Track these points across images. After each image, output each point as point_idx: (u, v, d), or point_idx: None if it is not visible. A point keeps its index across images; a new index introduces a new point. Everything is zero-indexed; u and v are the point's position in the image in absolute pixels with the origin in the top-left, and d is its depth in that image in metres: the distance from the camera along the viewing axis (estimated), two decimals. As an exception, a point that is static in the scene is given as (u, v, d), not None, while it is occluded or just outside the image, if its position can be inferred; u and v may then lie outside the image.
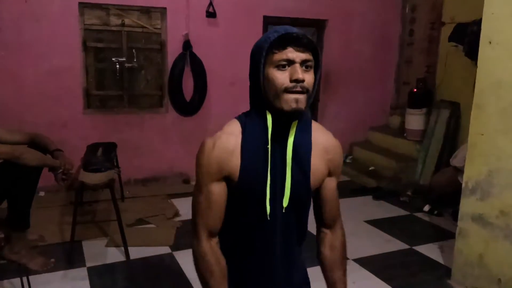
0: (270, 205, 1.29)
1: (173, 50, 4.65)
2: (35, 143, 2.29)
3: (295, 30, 1.21)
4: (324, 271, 1.46)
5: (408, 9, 5.63)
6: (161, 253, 3.22)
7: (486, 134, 2.68)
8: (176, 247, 3.32)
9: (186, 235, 3.53)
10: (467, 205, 2.83)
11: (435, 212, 4.20)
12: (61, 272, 2.87)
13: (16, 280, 2.64)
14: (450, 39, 4.61)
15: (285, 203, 1.30)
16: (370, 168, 5.30)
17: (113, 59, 4.49)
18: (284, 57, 1.19)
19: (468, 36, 4.24)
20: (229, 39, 4.88)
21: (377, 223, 3.92)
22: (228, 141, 1.28)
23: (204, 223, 1.31)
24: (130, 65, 4.56)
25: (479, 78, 2.74)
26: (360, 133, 5.81)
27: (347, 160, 5.65)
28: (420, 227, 3.97)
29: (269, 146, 1.26)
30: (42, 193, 4.18)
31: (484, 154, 2.69)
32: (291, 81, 1.19)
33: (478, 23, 3.63)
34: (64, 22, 4.21)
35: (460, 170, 3.98)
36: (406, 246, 3.51)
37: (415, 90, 5.19)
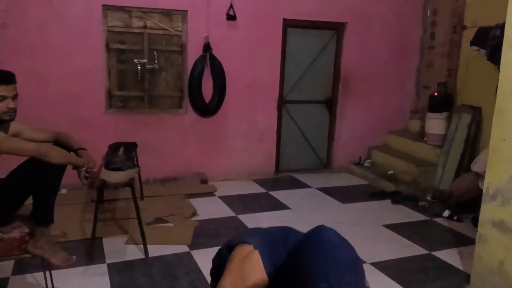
0: None
1: (193, 52, 4.71)
2: (59, 141, 2.35)
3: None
4: None
5: (429, 12, 5.58)
6: (179, 252, 3.27)
7: (508, 140, 2.64)
8: (194, 246, 3.36)
9: (204, 235, 3.58)
10: (488, 211, 2.78)
11: (455, 217, 4.14)
12: (81, 268, 2.94)
13: (39, 275, 2.73)
14: (472, 43, 4.55)
15: None
16: (389, 172, 5.26)
17: (134, 60, 4.58)
18: None
19: (490, 40, 4.19)
20: (248, 41, 4.92)
21: (395, 228, 3.89)
22: None
23: None
24: (151, 66, 4.63)
25: (501, 82, 2.71)
26: (379, 137, 5.77)
27: (366, 164, 5.62)
28: (439, 232, 3.92)
29: None
30: (64, 191, 4.28)
31: (506, 160, 2.65)
32: None
33: (501, 27, 3.60)
34: (87, 24, 4.31)
35: (481, 176, 3.92)
36: (424, 252, 3.47)
37: (435, 94, 5.13)
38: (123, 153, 3.56)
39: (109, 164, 3.31)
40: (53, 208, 2.24)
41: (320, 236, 1.30)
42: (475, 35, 4.50)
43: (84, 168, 2.28)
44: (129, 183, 3.09)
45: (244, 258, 1.29)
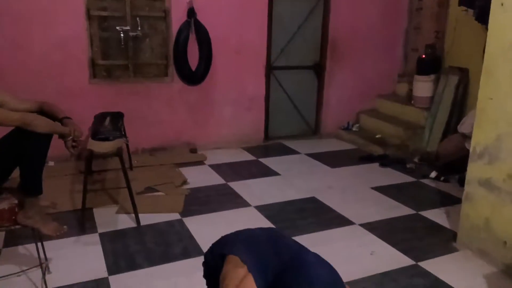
0: None
1: (178, 18, 4.58)
2: (44, 111, 2.29)
3: None
4: None
5: (417, -28, 5.48)
6: (171, 219, 3.28)
7: (495, 99, 2.66)
8: (185, 213, 3.38)
9: (195, 202, 3.59)
10: (475, 170, 2.83)
11: (442, 178, 4.22)
12: (73, 238, 2.95)
13: (31, 246, 2.73)
14: (460, 3, 4.50)
15: None
16: (377, 136, 5.30)
17: (117, 27, 4.44)
18: None
19: (478, 0, 4.14)
20: (234, 6, 4.80)
21: (383, 190, 3.95)
22: None
23: None
24: (134, 33, 4.51)
25: (489, 42, 2.70)
26: (367, 101, 5.78)
27: (354, 129, 5.64)
28: (427, 193, 4.00)
29: None
30: (51, 163, 4.23)
31: (493, 119, 2.67)
32: None
33: (490, -15, 3.55)
34: (66, -10, 4.15)
35: (467, 137, 3.97)
36: (412, 212, 3.54)
37: (423, 56, 5.12)
38: (110, 123, 3.51)
39: (96, 134, 3.26)
40: (41, 178, 2.22)
41: (299, 258, 1.32)
42: (463, -5, 4.45)
43: (70, 137, 2.24)
44: (118, 153, 3.06)
45: (238, 285, 1.28)
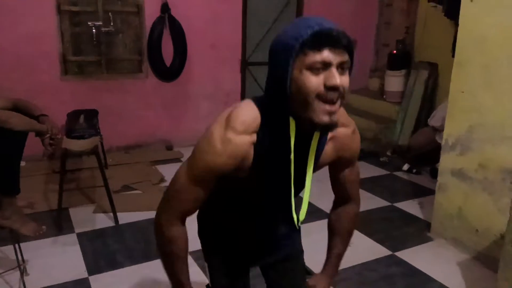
0: (272, 211, 1.35)
1: (151, 13, 4.52)
2: (19, 108, 2.22)
3: (332, 25, 1.03)
4: (328, 237, 1.49)
5: (387, -31, 5.60)
6: (150, 217, 3.25)
7: (466, 91, 2.76)
8: (164, 211, 3.35)
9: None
10: (447, 161, 2.94)
11: (414, 170, 4.34)
12: (50, 239, 2.88)
13: (7, 248, 2.65)
14: (430, -1, 4.63)
15: (302, 217, 1.22)
16: (350, 130, 5.39)
17: (89, 23, 4.33)
18: (320, 59, 0.99)
19: (447, -4, 4.27)
20: (208, 1, 4.77)
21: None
22: (243, 143, 1.10)
23: (182, 209, 1.20)
24: (107, 29, 4.41)
25: (460, 35, 2.79)
26: (340, 96, 5.85)
27: (328, 123, 5.71)
28: (400, 185, 4.11)
29: (291, 157, 1.11)
30: (23, 163, 4.08)
31: (465, 111, 2.78)
32: (325, 87, 1.00)
33: (458, -18, 3.67)
34: (35, -16, 4.02)
35: (437, 130, 4.11)
36: (387, 203, 3.64)
37: (394, 52, 5.24)
38: (84, 121, 3.44)
39: (71, 132, 3.20)
40: (18, 177, 2.16)
41: None
42: (432, -10, 4.58)
43: (48, 135, 2.18)
44: (94, 151, 3.00)
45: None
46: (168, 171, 4.16)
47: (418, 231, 3.17)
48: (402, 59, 5.17)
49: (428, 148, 4.22)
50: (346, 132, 1.25)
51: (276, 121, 1.11)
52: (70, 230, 3.03)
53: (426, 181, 4.12)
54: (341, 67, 1.03)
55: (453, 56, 3.03)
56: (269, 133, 1.12)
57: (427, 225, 3.18)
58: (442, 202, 3.00)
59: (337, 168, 1.35)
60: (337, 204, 1.48)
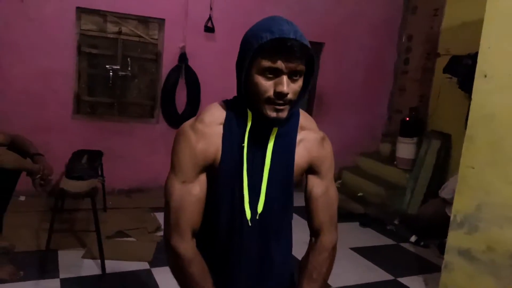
0: (243, 208, 1.23)
1: (169, 61, 4.61)
2: (15, 144, 2.20)
3: (291, 34, 1.08)
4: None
5: (404, 38, 5.68)
6: (138, 269, 3.12)
7: (476, 167, 2.66)
8: (155, 263, 3.21)
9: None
10: (454, 239, 2.78)
11: (421, 243, 4.14)
12: (32, 282, 2.75)
13: (-16, 288, 2.53)
14: (445, 70, 4.63)
15: (260, 208, 1.23)
16: (358, 194, 5.26)
17: (107, 66, 4.44)
18: (272, 67, 1.10)
19: (462, 69, 4.27)
20: (225, 54, 4.85)
21: (362, 251, 3.85)
22: (212, 132, 1.21)
23: (189, 220, 1.19)
24: (123, 73, 4.51)
25: (472, 110, 2.74)
26: (350, 158, 5.79)
27: (336, 185, 5.59)
28: (406, 258, 3.91)
29: (244, 145, 1.19)
30: (22, 198, 4.06)
31: (473, 188, 2.66)
32: (274, 92, 1.11)
33: (473, 56, 3.67)
34: (59, 25, 4.17)
35: (448, 202, 3.95)
36: (390, 277, 3.44)
37: (407, 118, 5.19)
38: (87, 162, 3.41)
39: (71, 172, 3.14)
40: (2, 217, 2.09)
41: None
42: (448, 63, 4.59)
43: (39, 175, 2.14)
44: (90, 194, 2.93)
45: None
46: (166, 220, 4.04)
47: (421, 312, 2.95)
48: (414, 127, 5.11)
49: (438, 221, 4.04)
50: (316, 136, 1.34)
51: (240, 112, 1.21)
52: (55, 274, 2.90)
53: (434, 256, 3.91)
54: (293, 74, 1.12)
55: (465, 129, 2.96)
56: (234, 125, 1.21)
57: (430, 306, 2.97)
58: (447, 282, 2.81)
59: (309, 182, 1.34)
60: (310, 238, 1.39)
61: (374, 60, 5.66)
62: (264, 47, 1.09)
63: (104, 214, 3.98)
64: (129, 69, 4.54)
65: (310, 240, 1.39)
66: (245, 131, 1.20)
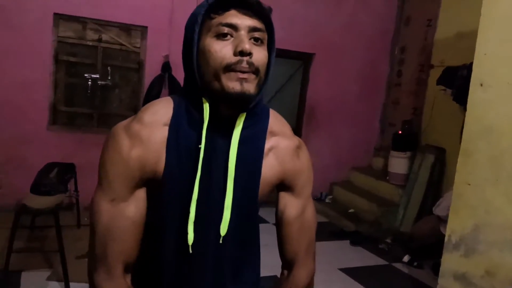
0: (196, 231, 0.93)
1: (151, 71, 4.42)
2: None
3: None
4: None
5: (397, 50, 5.54)
6: (107, 292, 2.86)
7: (473, 184, 2.45)
8: (126, 285, 2.96)
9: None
10: (450, 261, 2.55)
11: (415, 263, 3.91)
12: (-13, 307, 2.51)
13: None
14: (439, 82, 4.47)
15: (223, 231, 0.95)
16: (349, 211, 5.04)
17: (85, 75, 4.24)
18: (225, 21, 0.88)
19: (457, 80, 4.10)
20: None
21: (352, 272, 3.62)
22: (153, 133, 0.93)
23: (121, 250, 0.92)
24: (103, 82, 4.31)
25: (468, 122, 2.53)
26: (342, 172, 5.58)
27: (327, 200, 5.39)
28: (398, 279, 3.68)
29: (201, 146, 0.91)
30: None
31: (471, 206, 2.45)
32: (235, 54, 0.87)
33: (468, 67, 3.51)
34: (35, 32, 3.98)
35: (443, 220, 3.74)
36: (381, 301, 3.21)
37: (400, 132, 5.01)
38: (56, 175, 3.18)
39: (37, 186, 2.92)
40: None
41: None
42: (442, 74, 4.43)
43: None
44: (54, 210, 2.70)
45: None
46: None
47: None
48: (407, 140, 4.93)
49: (432, 239, 3.83)
50: (289, 143, 1.06)
51: (191, 106, 0.95)
52: (14, 298, 2.66)
53: (428, 277, 3.69)
54: (254, 38, 0.90)
55: (460, 143, 2.76)
56: (183, 125, 0.94)
57: (425, 334, 2.74)
58: (443, 309, 2.58)
59: (282, 200, 1.09)
60: (282, 273, 1.15)
61: (366, 72, 5.50)
62: (212, 7, 0.90)
63: (78, 231, 3.73)
64: (109, 78, 4.34)
65: (282, 274, 1.16)
66: (197, 132, 0.93)
